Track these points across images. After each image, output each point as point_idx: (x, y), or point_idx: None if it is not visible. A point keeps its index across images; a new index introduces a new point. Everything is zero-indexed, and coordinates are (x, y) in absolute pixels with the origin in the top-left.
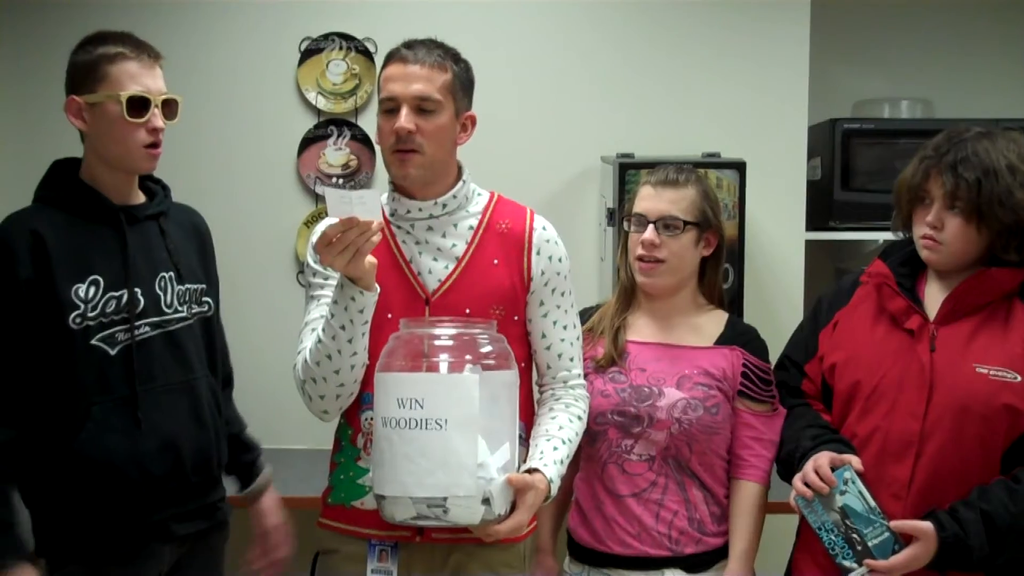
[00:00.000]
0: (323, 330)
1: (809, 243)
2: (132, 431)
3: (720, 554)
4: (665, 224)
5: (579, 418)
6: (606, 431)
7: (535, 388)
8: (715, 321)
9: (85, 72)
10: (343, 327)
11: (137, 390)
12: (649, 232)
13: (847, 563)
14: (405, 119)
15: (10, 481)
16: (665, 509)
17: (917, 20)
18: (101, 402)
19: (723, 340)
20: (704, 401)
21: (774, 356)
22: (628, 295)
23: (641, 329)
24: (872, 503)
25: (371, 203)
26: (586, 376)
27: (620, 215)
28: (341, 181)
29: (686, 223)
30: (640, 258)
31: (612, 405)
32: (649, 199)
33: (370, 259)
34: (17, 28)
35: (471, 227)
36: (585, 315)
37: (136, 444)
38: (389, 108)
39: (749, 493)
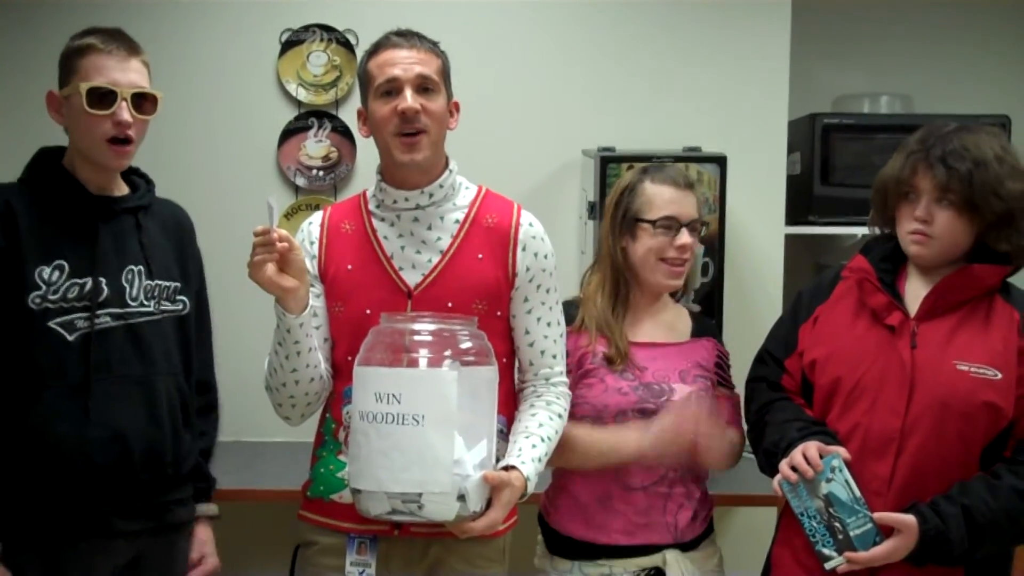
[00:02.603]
0: (272, 343)
1: (788, 237)
2: (81, 419)
3: (707, 532)
4: (694, 227)
5: (559, 416)
6: None
7: (517, 384)
8: (681, 316)
9: (62, 65)
10: (279, 343)
11: (91, 379)
12: (686, 236)
13: (826, 551)
14: (412, 99)
15: None
16: (672, 501)
17: (897, 16)
18: (54, 387)
19: (696, 333)
20: (706, 392)
21: (753, 350)
22: (623, 294)
23: (634, 330)
24: (857, 493)
25: (271, 211)
26: (594, 372)
27: (624, 213)
28: (321, 173)
29: (702, 224)
30: (671, 260)
31: (632, 403)
32: (678, 203)
33: (288, 280)
34: (3, 23)
35: (457, 220)
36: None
37: (83, 432)
38: (388, 91)
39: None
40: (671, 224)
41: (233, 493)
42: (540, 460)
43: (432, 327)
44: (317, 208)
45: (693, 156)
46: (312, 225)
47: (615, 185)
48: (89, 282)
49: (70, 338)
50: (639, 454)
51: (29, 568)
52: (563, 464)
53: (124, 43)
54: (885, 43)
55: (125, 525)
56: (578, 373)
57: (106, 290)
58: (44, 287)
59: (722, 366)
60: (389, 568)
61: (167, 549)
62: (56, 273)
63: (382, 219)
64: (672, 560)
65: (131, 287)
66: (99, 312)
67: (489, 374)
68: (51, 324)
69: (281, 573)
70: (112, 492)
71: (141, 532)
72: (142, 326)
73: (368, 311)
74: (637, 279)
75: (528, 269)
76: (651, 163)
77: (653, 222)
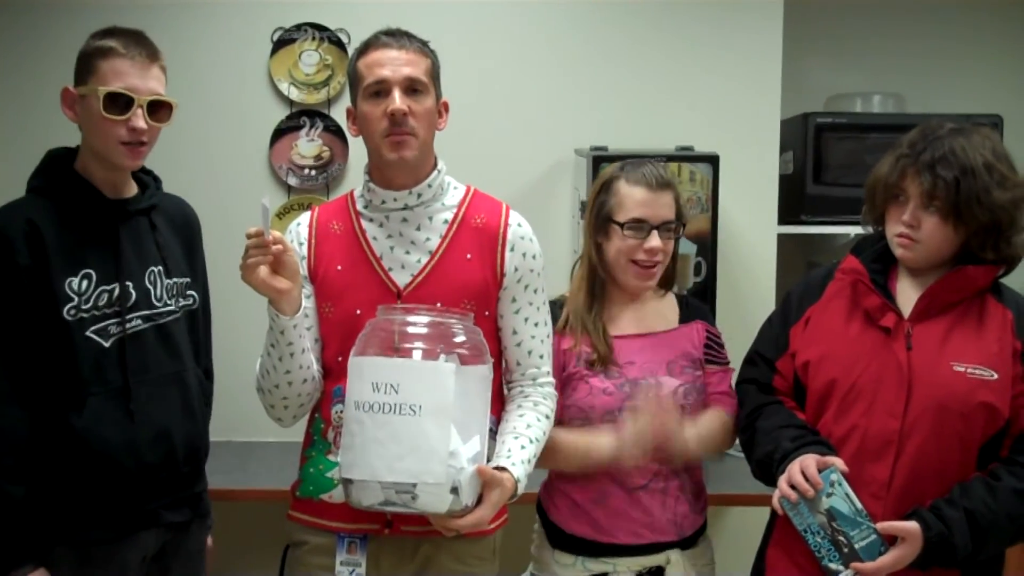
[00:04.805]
0: (265, 344)
1: (781, 236)
2: (126, 421)
3: (702, 528)
4: (667, 229)
5: (547, 416)
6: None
7: (504, 385)
8: (670, 303)
9: (80, 63)
10: (272, 345)
11: (130, 381)
12: (656, 240)
13: (833, 565)
14: (400, 101)
15: (25, 479)
16: (669, 496)
17: (890, 15)
18: (96, 393)
19: (684, 319)
20: (694, 383)
21: (745, 349)
22: (600, 289)
23: (618, 322)
24: (858, 505)
25: (266, 212)
26: (578, 375)
27: (599, 211)
28: (313, 172)
29: (680, 224)
30: (640, 262)
31: (619, 401)
32: (649, 205)
33: (282, 282)
34: (3, 22)
35: (446, 221)
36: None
37: (131, 434)
38: (377, 92)
39: (718, 413)
40: (640, 227)
41: (224, 493)
42: (529, 462)
43: (428, 319)
44: (309, 208)
45: (686, 155)
46: (300, 226)
47: (596, 180)
48: (116, 288)
49: (106, 344)
50: (614, 457)
51: (70, 564)
52: (548, 466)
53: (145, 48)
54: (878, 42)
55: (172, 516)
56: (563, 376)
57: (134, 294)
58: (76, 297)
59: (712, 346)
60: (379, 567)
61: (191, 538)
62: (84, 282)
63: (371, 219)
64: (675, 560)
65: (155, 288)
66: (129, 316)
67: (483, 372)
68: (88, 333)
69: (271, 573)
70: (161, 487)
71: (177, 523)
72: (168, 325)
73: (358, 311)
74: (612, 276)
75: (516, 269)
76: (630, 160)
77: (622, 224)
